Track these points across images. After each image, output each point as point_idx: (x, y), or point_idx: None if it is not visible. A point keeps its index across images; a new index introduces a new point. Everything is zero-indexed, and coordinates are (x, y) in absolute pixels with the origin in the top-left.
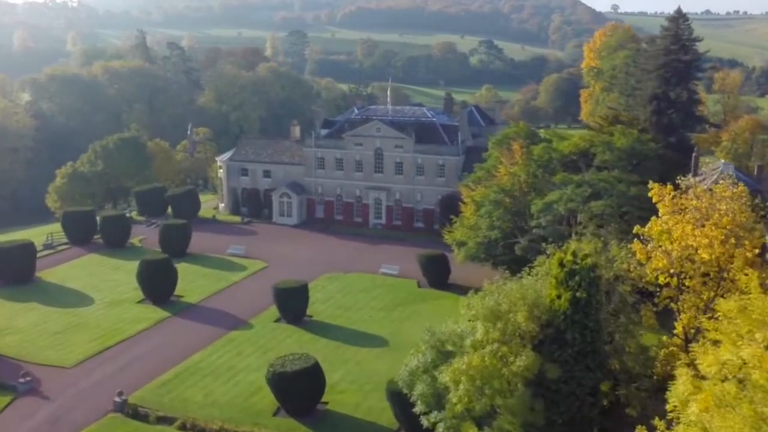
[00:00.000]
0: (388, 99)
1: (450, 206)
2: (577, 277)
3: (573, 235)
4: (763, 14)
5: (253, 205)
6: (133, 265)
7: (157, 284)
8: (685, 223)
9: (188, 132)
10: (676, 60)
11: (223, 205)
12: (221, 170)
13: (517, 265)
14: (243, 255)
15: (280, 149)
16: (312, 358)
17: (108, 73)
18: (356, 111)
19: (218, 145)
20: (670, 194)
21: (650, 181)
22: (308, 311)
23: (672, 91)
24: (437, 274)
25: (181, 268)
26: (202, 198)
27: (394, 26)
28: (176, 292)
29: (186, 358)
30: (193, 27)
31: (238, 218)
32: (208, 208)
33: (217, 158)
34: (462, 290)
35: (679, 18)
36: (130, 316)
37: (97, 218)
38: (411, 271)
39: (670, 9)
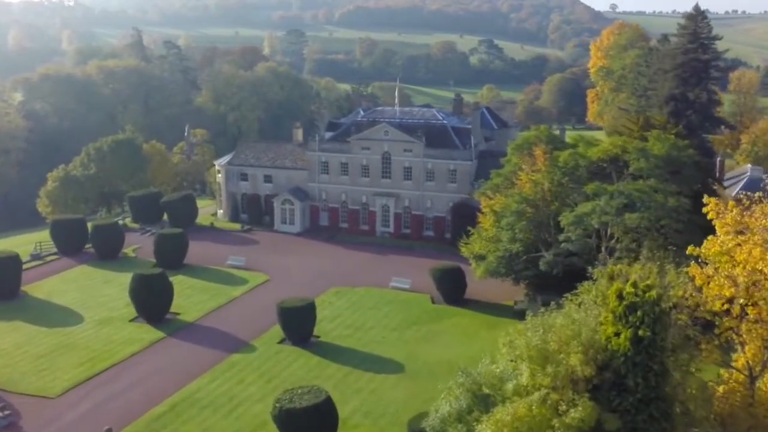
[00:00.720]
0: (396, 100)
1: (462, 214)
2: (639, 312)
3: (603, 249)
4: (761, 13)
5: (253, 212)
6: (126, 278)
7: (151, 301)
8: (752, 245)
9: (185, 134)
10: (694, 59)
11: (221, 211)
12: (220, 175)
13: (540, 280)
14: (243, 267)
15: (282, 153)
16: (323, 391)
17: (103, 73)
18: (362, 113)
19: (216, 147)
20: (732, 211)
21: (705, 196)
22: (315, 330)
23: (691, 92)
24: (452, 289)
25: (177, 281)
26: (200, 203)
27: (393, 25)
28: (172, 309)
29: (182, 387)
30: (189, 26)
31: (237, 226)
32: (206, 215)
33: (215, 162)
34: (480, 306)
35: (698, 16)
36: (121, 337)
37: (88, 226)
38: (423, 285)
39: (668, 8)
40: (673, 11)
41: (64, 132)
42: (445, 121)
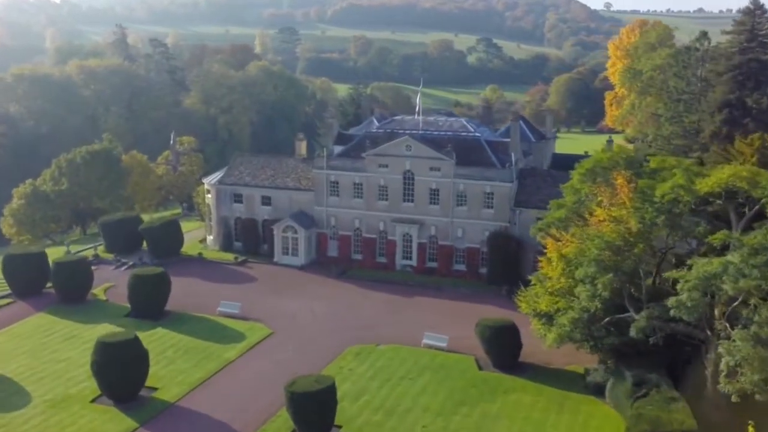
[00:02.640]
0: (418, 107)
1: (500, 246)
2: None
3: (721, 315)
4: None
5: (249, 240)
6: (93, 333)
7: (121, 376)
8: None
9: (171, 141)
10: (753, 60)
11: (211, 237)
12: (209, 195)
13: (629, 349)
14: (239, 315)
15: (283, 170)
16: None
17: (83, 73)
18: (375, 122)
19: (205, 154)
20: None
21: None
22: (336, 419)
23: (749, 97)
24: (506, 351)
25: (156, 337)
26: (187, 226)
27: (386, 24)
28: (147, 383)
29: None
30: (179, 24)
31: (230, 256)
32: (194, 240)
33: (204, 180)
34: (540, 374)
35: (756, 10)
36: (77, 429)
37: (50, 261)
38: (464, 341)
39: (662, 7)
40: (668, 10)
41: (41, 137)
42: (477, 134)
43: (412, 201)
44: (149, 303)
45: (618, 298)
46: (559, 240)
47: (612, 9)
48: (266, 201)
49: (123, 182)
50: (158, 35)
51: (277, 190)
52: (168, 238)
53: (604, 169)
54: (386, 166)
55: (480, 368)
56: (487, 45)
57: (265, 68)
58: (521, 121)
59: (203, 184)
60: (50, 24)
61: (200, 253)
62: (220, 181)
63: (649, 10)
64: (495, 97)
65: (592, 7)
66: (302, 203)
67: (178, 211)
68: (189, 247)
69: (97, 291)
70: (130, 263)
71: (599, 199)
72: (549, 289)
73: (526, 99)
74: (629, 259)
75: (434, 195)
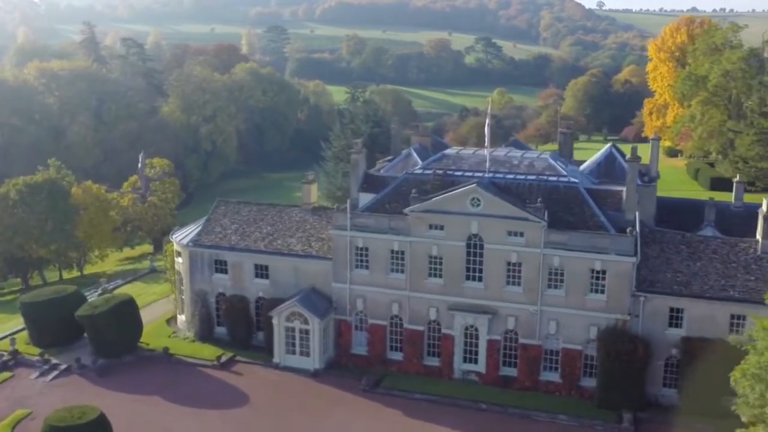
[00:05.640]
0: (487, 137)
1: (616, 349)
2: None
3: None
4: (749, 12)
5: (237, 327)
6: None
7: None
8: None
9: (139, 164)
10: None
11: (183, 318)
12: (180, 260)
13: None
14: None
15: (285, 225)
16: None
17: (44, 77)
18: (415, 156)
19: (181, 177)
20: None
21: None
22: None
23: None
24: None
25: None
26: (153, 293)
27: (377, 22)
28: None
29: None
30: (162, 23)
31: (210, 351)
32: (161, 318)
33: (172, 236)
34: None
35: None
36: None
37: None
38: None
39: (655, 6)
40: (661, 9)
41: None
42: (574, 179)
43: (480, 280)
44: None
45: None
46: None
47: (604, 8)
48: (262, 272)
49: (74, 222)
50: (139, 34)
51: (277, 257)
52: (119, 326)
53: None
54: (441, 227)
55: None
56: (486, 45)
57: (253, 70)
58: (619, 156)
59: (171, 241)
60: (24, 22)
61: (167, 349)
62: (196, 241)
63: (641, 9)
64: (503, 101)
65: (587, 6)
66: (315, 277)
67: (146, 265)
68: (152, 332)
69: (5, 423)
70: (63, 367)
71: None
72: None
73: (539, 104)
74: None
75: (514, 272)
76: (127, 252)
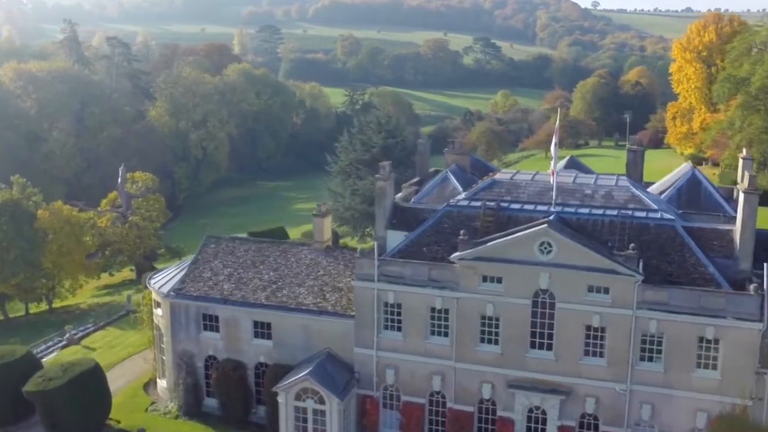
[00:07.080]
0: (553, 158)
1: None
2: None
3: None
4: (743, 12)
5: (231, 400)
6: None
7: None
8: None
9: (119, 179)
10: None
11: (164, 384)
12: (159, 311)
13: None
14: None
15: (292, 269)
16: None
17: (21, 79)
18: (454, 181)
19: (170, 186)
20: None
21: None
22: None
23: None
24: None
25: None
26: (132, 341)
27: (371, 22)
28: None
29: None
30: (152, 23)
31: (197, 431)
32: (137, 382)
33: (149, 281)
34: None
35: None
36: None
37: None
38: None
39: (650, 6)
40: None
41: None
42: (668, 216)
43: (550, 348)
44: None
45: None
46: None
47: (599, 8)
48: (263, 331)
49: (40, 250)
50: (128, 34)
51: (282, 313)
52: (79, 403)
53: None
54: (499, 280)
55: None
56: (485, 45)
57: (246, 72)
58: (696, 171)
59: (149, 287)
60: (8, 21)
61: (142, 431)
62: (179, 291)
63: (636, 9)
64: (507, 104)
65: (582, 6)
66: (331, 339)
67: (125, 298)
68: (125, 402)
69: None
70: None
71: None
72: None
73: (545, 106)
74: None
75: (596, 339)
76: (106, 279)
